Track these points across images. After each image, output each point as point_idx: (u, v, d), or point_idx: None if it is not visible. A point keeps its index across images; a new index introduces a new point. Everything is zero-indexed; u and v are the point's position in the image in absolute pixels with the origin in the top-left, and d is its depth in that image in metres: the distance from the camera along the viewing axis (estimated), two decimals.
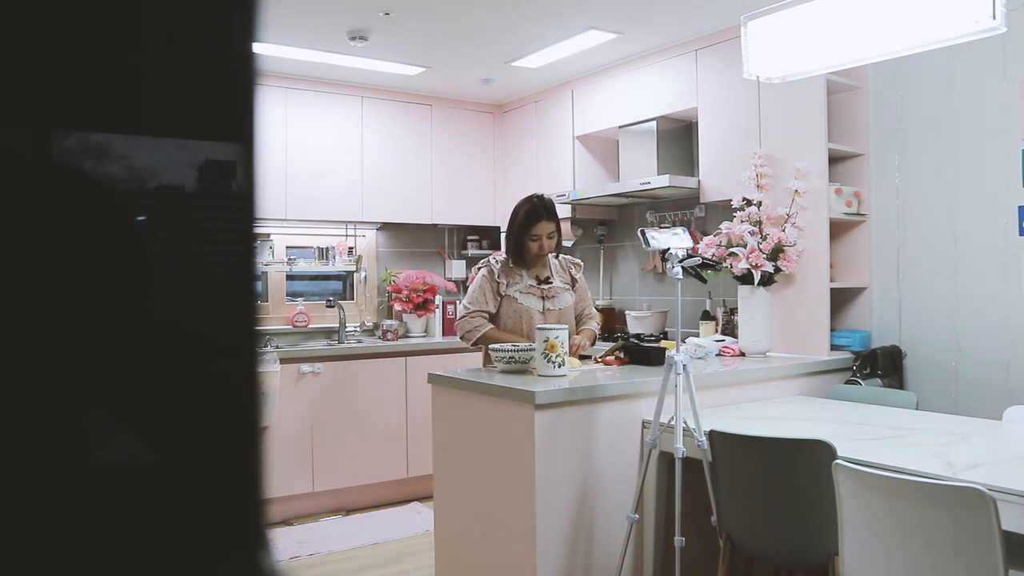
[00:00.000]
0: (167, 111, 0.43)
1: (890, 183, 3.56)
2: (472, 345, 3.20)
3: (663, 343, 3.73)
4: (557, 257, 3.36)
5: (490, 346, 2.99)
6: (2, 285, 0.39)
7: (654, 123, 4.41)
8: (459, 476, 2.92)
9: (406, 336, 5.26)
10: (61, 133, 0.40)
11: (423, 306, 5.26)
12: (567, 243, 5.21)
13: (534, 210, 3.14)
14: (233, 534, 0.46)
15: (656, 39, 4.21)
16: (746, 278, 3.49)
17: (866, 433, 2.51)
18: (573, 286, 3.33)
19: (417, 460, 4.80)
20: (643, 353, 3.19)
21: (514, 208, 3.24)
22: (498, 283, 3.18)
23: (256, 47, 0.45)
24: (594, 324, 3.36)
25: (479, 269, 3.25)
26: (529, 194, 3.27)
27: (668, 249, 2.50)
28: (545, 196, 3.25)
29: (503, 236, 3.33)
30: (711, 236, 3.64)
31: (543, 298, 3.19)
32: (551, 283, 3.23)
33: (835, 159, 3.64)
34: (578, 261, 3.43)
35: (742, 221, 3.57)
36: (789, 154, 3.59)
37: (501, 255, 3.30)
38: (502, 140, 5.60)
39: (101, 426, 0.41)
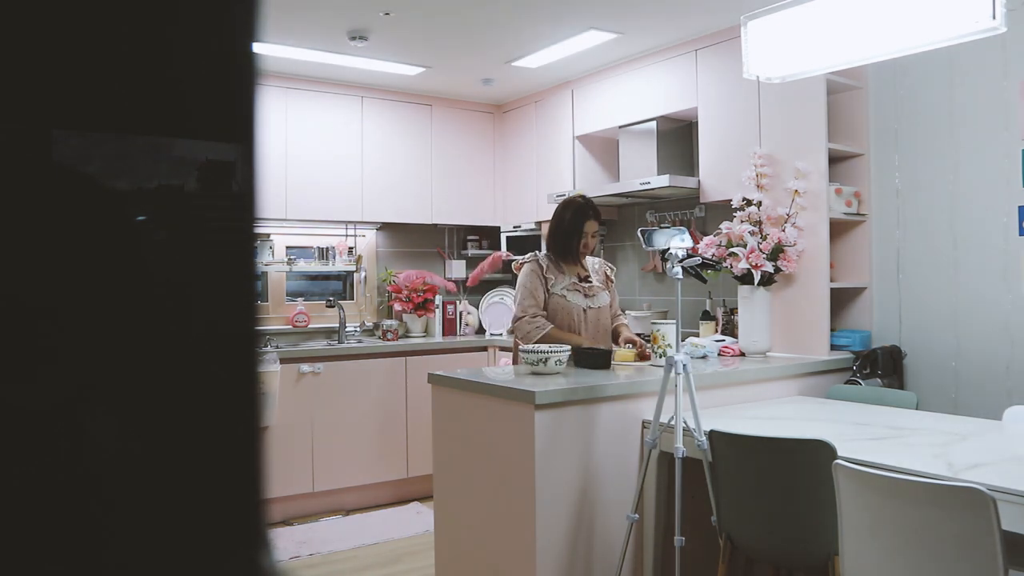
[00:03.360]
0: (167, 111, 0.43)
1: (890, 183, 3.56)
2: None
3: None
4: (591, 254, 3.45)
5: (521, 348, 3.02)
6: (2, 286, 0.39)
7: (654, 123, 4.41)
8: (459, 476, 2.92)
9: (406, 336, 5.26)
10: (61, 133, 0.40)
11: (423, 306, 5.26)
12: None
13: (582, 210, 3.30)
14: (233, 534, 0.46)
15: (656, 39, 4.21)
16: (746, 278, 3.49)
17: (866, 433, 2.50)
18: (607, 285, 3.43)
19: (417, 460, 4.80)
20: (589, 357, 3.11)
21: (558, 209, 3.36)
22: (546, 279, 3.26)
23: (256, 47, 0.45)
24: (625, 319, 3.54)
25: (523, 265, 3.33)
26: (572, 195, 3.42)
27: (668, 249, 2.50)
28: (588, 196, 3.41)
29: (548, 238, 3.45)
30: (711, 236, 3.64)
31: (586, 296, 3.28)
32: (590, 282, 3.33)
33: (835, 159, 3.64)
34: (612, 265, 3.53)
35: (742, 221, 3.57)
36: (789, 154, 3.59)
37: (542, 254, 3.36)
38: (502, 140, 5.60)
39: (102, 426, 0.41)
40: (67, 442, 0.40)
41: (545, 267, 3.27)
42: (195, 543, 0.44)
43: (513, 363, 3.41)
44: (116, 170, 0.42)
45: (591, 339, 3.24)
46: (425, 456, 4.47)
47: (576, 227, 3.27)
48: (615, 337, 3.40)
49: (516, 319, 3.23)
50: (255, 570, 0.46)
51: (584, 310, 3.26)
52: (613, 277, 3.47)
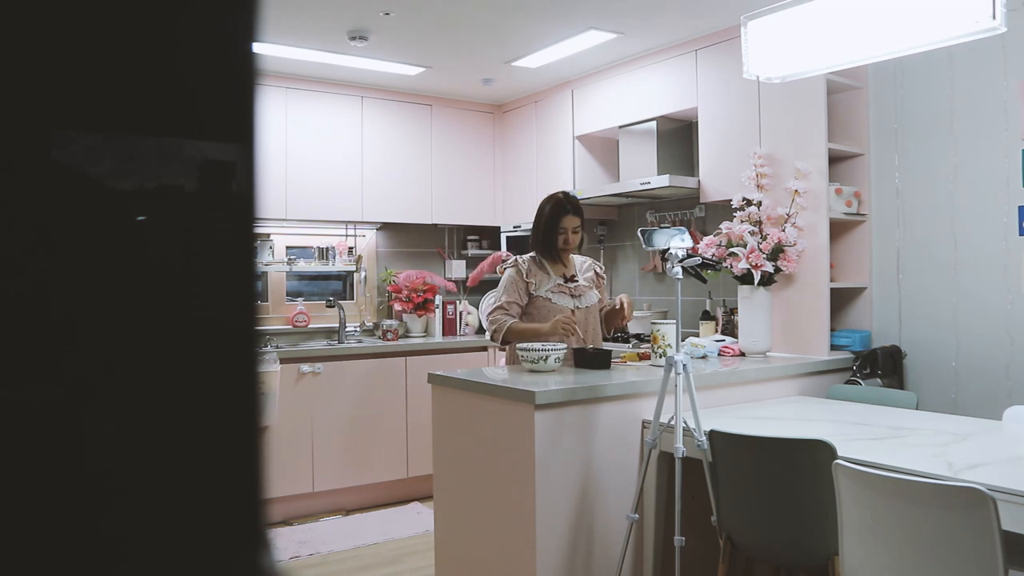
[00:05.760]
0: (167, 111, 0.43)
1: (890, 183, 3.56)
2: (501, 345, 3.22)
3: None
4: (580, 252, 3.41)
5: (518, 345, 2.99)
6: (2, 286, 0.39)
7: (654, 123, 4.41)
8: (459, 476, 2.92)
9: (406, 336, 5.26)
10: (62, 133, 0.40)
11: (423, 306, 5.26)
12: None
13: (560, 205, 3.24)
14: (233, 534, 0.46)
15: (656, 39, 4.21)
16: (746, 278, 3.49)
17: (866, 433, 2.50)
18: (598, 283, 3.37)
19: (417, 460, 4.80)
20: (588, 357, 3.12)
21: (540, 205, 3.31)
22: (527, 283, 3.21)
23: (256, 47, 0.45)
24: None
25: (505, 270, 3.28)
26: (555, 191, 3.35)
27: (668, 249, 2.50)
28: (570, 193, 3.36)
29: (531, 234, 3.39)
30: (711, 236, 3.64)
31: (573, 296, 3.24)
32: (576, 281, 3.28)
33: (835, 159, 3.64)
34: (601, 264, 3.50)
35: (742, 221, 3.57)
36: (789, 154, 3.59)
37: (525, 256, 3.32)
38: (502, 140, 5.60)
39: (102, 425, 0.41)
40: (67, 441, 0.40)
41: (526, 271, 3.22)
42: (195, 543, 0.44)
43: (507, 363, 3.36)
44: (116, 170, 0.42)
45: (578, 339, 3.16)
46: (425, 456, 4.47)
47: (554, 222, 3.22)
48: (610, 318, 3.32)
49: (487, 315, 3.22)
50: (255, 570, 0.46)
51: (572, 311, 3.19)
52: (603, 274, 3.42)
